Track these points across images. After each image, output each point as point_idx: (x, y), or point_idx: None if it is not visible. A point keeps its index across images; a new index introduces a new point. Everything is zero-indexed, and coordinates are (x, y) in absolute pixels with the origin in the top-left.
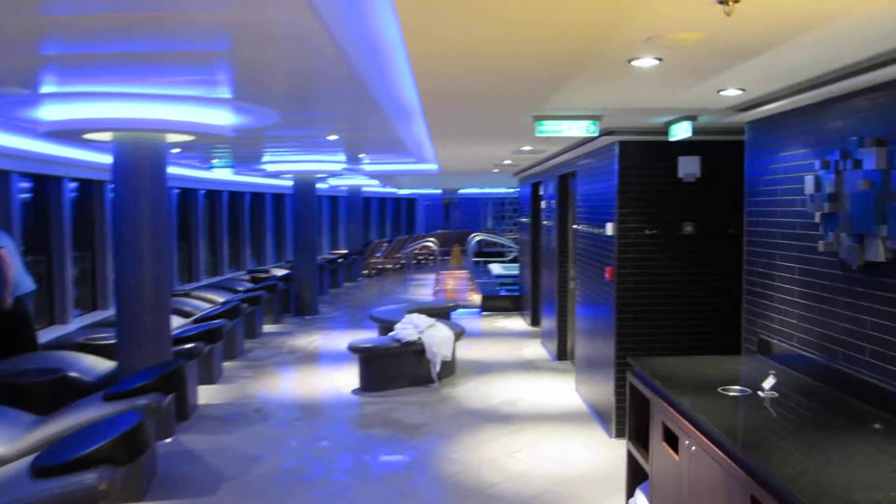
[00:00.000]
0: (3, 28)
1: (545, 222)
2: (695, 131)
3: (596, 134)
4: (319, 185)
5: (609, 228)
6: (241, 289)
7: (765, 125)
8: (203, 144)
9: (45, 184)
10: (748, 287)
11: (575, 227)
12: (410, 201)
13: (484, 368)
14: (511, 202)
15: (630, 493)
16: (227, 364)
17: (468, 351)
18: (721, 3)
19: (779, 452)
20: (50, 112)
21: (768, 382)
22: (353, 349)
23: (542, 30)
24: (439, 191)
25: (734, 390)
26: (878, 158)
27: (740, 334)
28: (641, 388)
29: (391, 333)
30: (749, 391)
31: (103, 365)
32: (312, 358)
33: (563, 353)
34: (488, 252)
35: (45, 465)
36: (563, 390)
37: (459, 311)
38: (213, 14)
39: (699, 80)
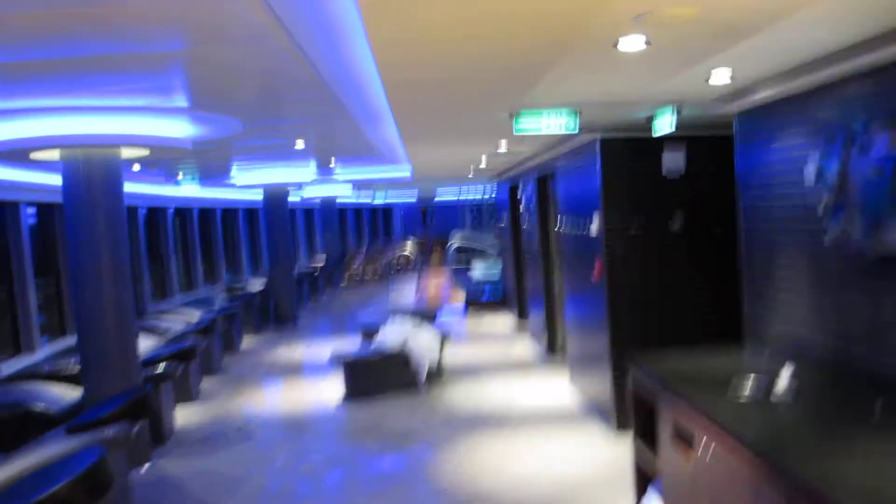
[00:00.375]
0: None
1: (525, 224)
2: (678, 126)
3: (576, 131)
4: (291, 198)
5: (594, 228)
6: (216, 305)
7: (755, 115)
8: (162, 159)
9: (1, 210)
10: (748, 281)
11: (557, 227)
12: (387, 211)
13: (473, 369)
14: (488, 207)
15: (639, 494)
16: (205, 382)
17: (455, 352)
18: None
19: (812, 452)
20: None
21: (784, 376)
22: (337, 358)
23: (521, 4)
24: (414, 199)
25: (748, 385)
26: (891, 141)
27: (737, 328)
28: (647, 384)
29: (375, 341)
30: (762, 384)
31: (70, 394)
32: (294, 370)
33: (552, 350)
34: (468, 256)
35: None
36: (557, 387)
37: (444, 314)
38: (162, 8)
39: (687, 65)
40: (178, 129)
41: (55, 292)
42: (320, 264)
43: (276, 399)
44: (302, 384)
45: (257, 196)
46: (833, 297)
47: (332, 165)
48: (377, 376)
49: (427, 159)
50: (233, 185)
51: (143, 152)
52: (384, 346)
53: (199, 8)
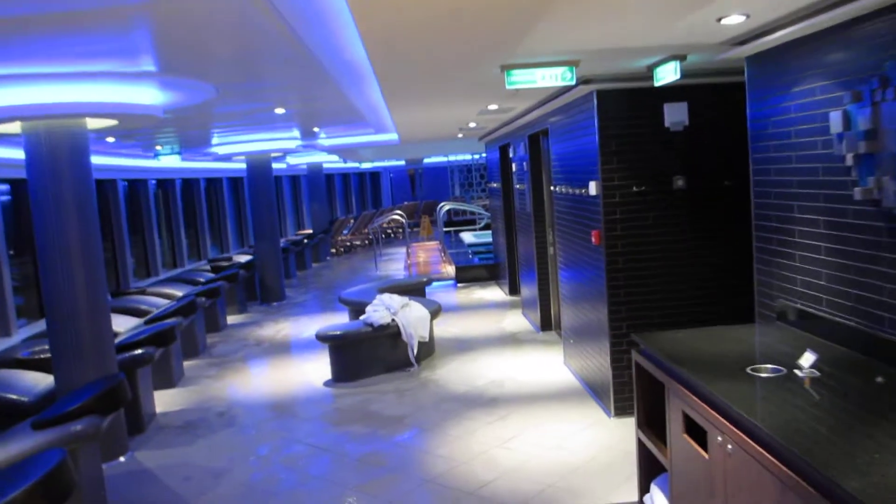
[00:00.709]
0: None
1: (517, 186)
2: (683, 73)
3: (573, 82)
4: (277, 165)
5: (592, 188)
6: (201, 280)
7: (771, 58)
8: (134, 130)
9: None
10: (760, 245)
11: (552, 188)
12: (375, 175)
13: (464, 346)
14: (478, 168)
15: (644, 488)
16: (187, 363)
17: (446, 327)
18: None
19: (845, 455)
20: None
21: (807, 359)
22: (322, 338)
23: None
24: (403, 162)
25: (766, 370)
26: None
27: (749, 298)
28: (652, 369)
29: (362, 317)
30: (784, 370)
31: (45, 382)
32: (281, 349)
33: (547, 324)
34: (459, 221)
35: None
36: (552, 365)
37: (434, 284)
38: None
39: (697, 4)
40: (148, 96)
41: (33, 272)
42: (308, 232)
43: (260, 381)
44: (288, 364)
45: (241, 165)
46: (860, 263)
47: (316, 130)
48: (365, 356)
49: (414, 122)
50: (215, 155)
51: (111, 122)
52: (372, 322)
53: None
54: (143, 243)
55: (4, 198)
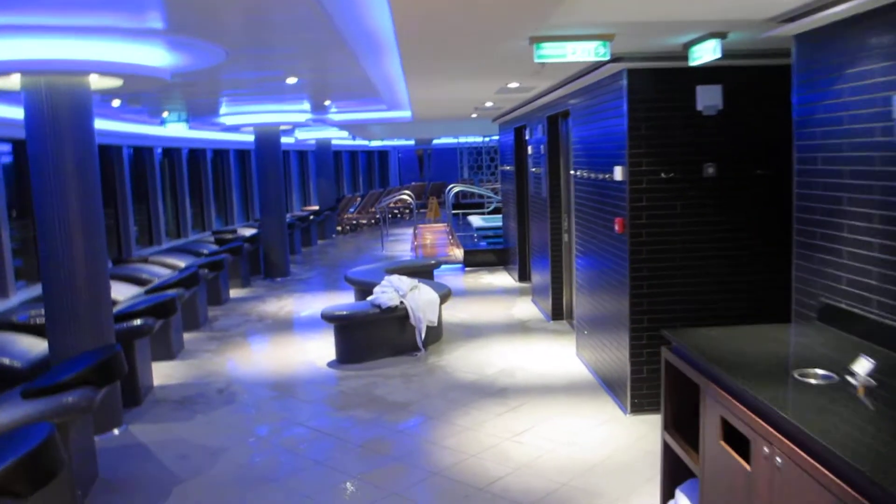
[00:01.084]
0: None
1: (533, 169)
2: (724, 52)
3: (607, 58)
4: (286, 139)
5: (618, 173)
6: (205, 251)
7: (823, 37)
8: (140, 92)
9: None
10: (800, 239)
11: (572, 172)
12: (383, 154)
13: (473, 332)
14: (488, 151)
15: (667, 493)
16: (188, 336)
17: (454, 312)
18: None
19: None
20: None
21: (862, 366)
22: (328, 317)
23: None
24: (412, 142)
25: (815, 376)
26: None
27: (782, 295)
28: (685, 369)
29: (370, 298)
30: (835, 377)
31: (40, 347)
32: (284, 326)
33: (558, 313)
34: (466, 204)
35: None
36: (564, 355)
37: (442, 267)
38: None
39: None
40: (155, 56)
41: (34, 235)
42: (315, 209)
43: (262, 358)
44: (291, 342)
45: (249, 137)
46: None
47: (327, 104)
48: (371, 338)
49: (430, 99)
50: (222, 126)
51: (116, 82)
52: (380, 304)
53: None
54: (147, 212)
55: (6, 158)
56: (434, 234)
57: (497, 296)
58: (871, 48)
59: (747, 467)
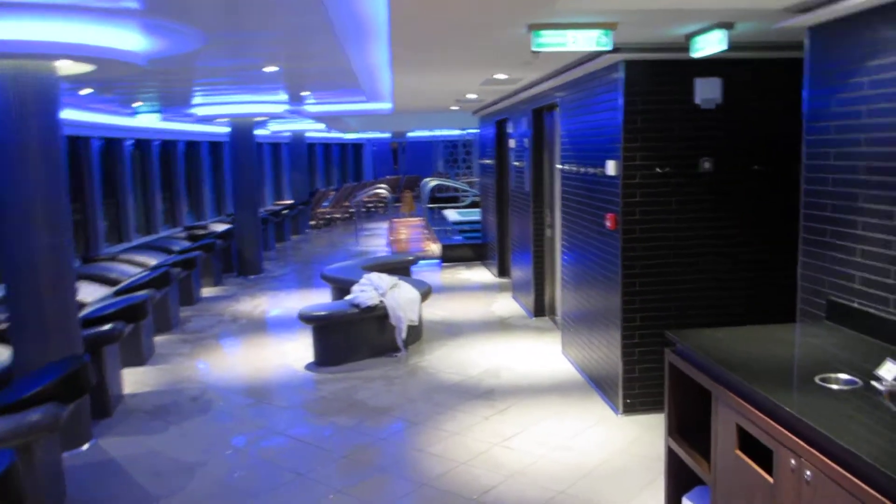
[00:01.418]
0: None
1: (516, 163)
2: (730, 44)
3: (608, 47)
4: (259, 131)
5: (611, 167)
6: (176, 248)
7: (840, 28)
8: (113, 80)
9: None
10: (808, 236)
11: (559, 167)
12: (357, 147)
13: (454, 330)
14: (464, 144)
15: (673, 501)
16: (159, 339)
17: (433, 309)
18: None
19: None
20: None
21: (889, 370)
22: (306, 318)
23: None
24: (388, 134)
25: (838, 381)
26: None
27: (782, 294)
28: (692, 373)
29: (348, 297)
30: (859, 382)
31: (3, 356)
32: (259, 326)
33: (540, 309)
34: (442, 198)
35: None
36: (549, 354)
37: (419, 263)
38: None
39: None
40: (130, 40)
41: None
42: (288, 203)
43: (237, 361)
44: (267, 344)
45: (222, 129)
46: None
47: (305, 94)
48: (350, 339)
49: (414, 90)
50: (196, 117)
51: (87, 68)
52: (359, 303)
53: None
54: (116, 207)
55: None
56: (409, 229)
57: (476, 292)
58: (893, 39)
59: (769, 479)
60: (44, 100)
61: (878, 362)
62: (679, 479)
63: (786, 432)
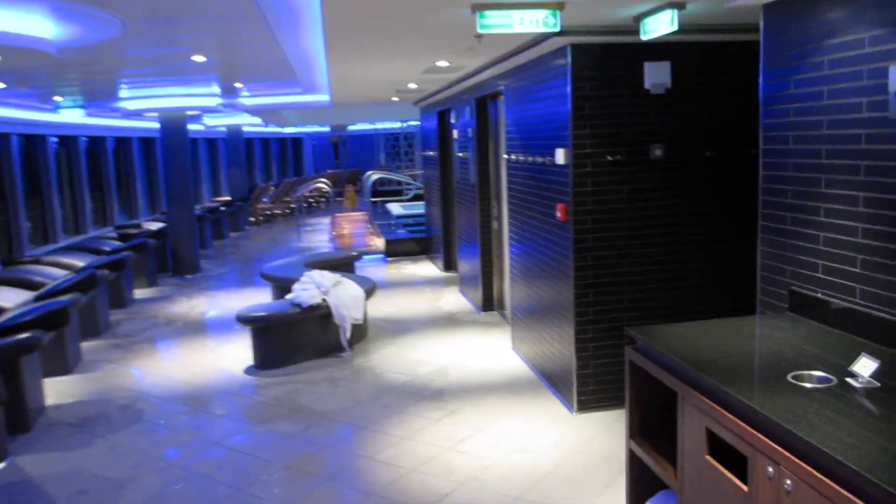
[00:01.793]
0: None
1: (460, 154)
2: (681, 25)
3: (556, 28)
4: (194, 126)
5: (560, 156)
6: (106, 249)
7: (799, 5)
8: (22, 72)
9: None
10: (767, 224)
11: (505, 157)
12: (297, 141)
13: (400, 327)
14: (406, 137)
15: None
16: (87, 345)
17: (379, 306)
18: None
19: None
20: None
21: (865, 366)
22: (244, 319)
23: None
24: (327, 128)
25: (811, 378)
26: None
27: (738, 284)
28: (657, 371)
29: (289, 296)
30: (834, 379)
31: None
32: (195, 328)
33: (489, 304)
34: (385, 191)
35: None
36: (499, 349)
37: (363, 258)
38: None
39: None
40: (38, 26)
41: None
42: (226, 199)
43: (172, 367)
44: (204, 347)
45: (154, 124)
46: None
47: (238, 86)
48: (292, 340)
49: (351, 80)
50: (124, 111)
51: None
52: (300, 302)
53: None
54: (41, 207)
55: None
56: (352, 224)
57: (422, 287)
58: (858, 16)
59: (744, 487)
60: None
61: (849, 356)
62: (641, 482)
63: (762, 437)
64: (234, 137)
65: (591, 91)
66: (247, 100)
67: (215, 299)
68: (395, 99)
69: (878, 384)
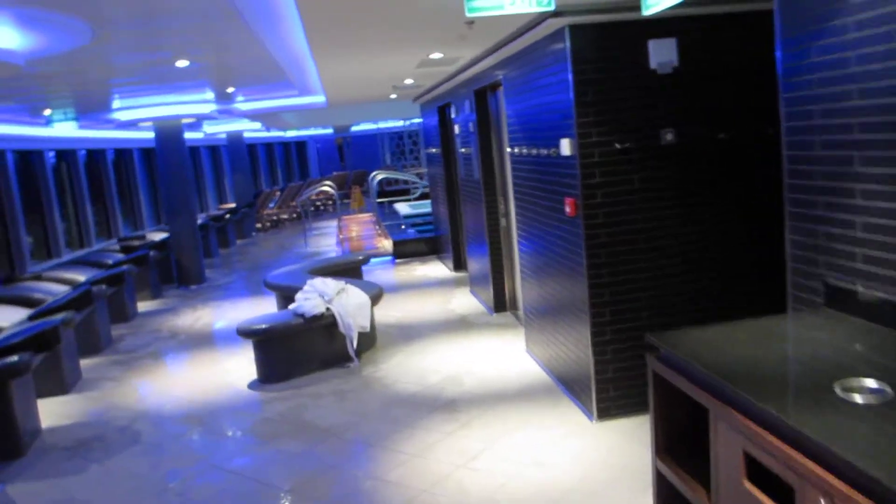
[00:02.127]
0: None
1: (462, 150)
2: None
3: (551, 7)
4: (193, 134)
5: (565, 147)
6: (109, 262)
7: None
8: (5, 85)
9: None
10: (796, 210)
11: (508, 150)
12: (301, 145)
13: (410, 333)
14: (410, 135)
15: None
16: (86, 362)
17: (387, 311)
18: None
19: None
20: None
21: None
22: (244, 333)
23: None
24: (331, 130)
25: (863, 389)
26: None
27: (764, 276)
28: (684, 385)
29: (292, 306)
30: (888, 390)
31: None
32: (200, 341)
33: (501, 304)
34: (392, 191)
35: None
36: (513, 353)
37: (371, 261)
38: None
39: None
40: (4, 37)
41: None
42: (230, 208)
43: (174, 383)
44: (208, 361)
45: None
46: None
47: (230, 91)
48: (297, 352)
49: (343, 79)
50: (118, 122)
51: None
52: (303, 313)
53: None
54: (42, 222)
55: None
56: (360, 226)
57: (432, 289)
58: None
59: None
60: None
61: None
62: (669, 499)
63: (811, 465)
64: (236, 144)
65: (593, 75)
66: (243, 105)
67: (221, 310)
68: (393, 96)
69: None
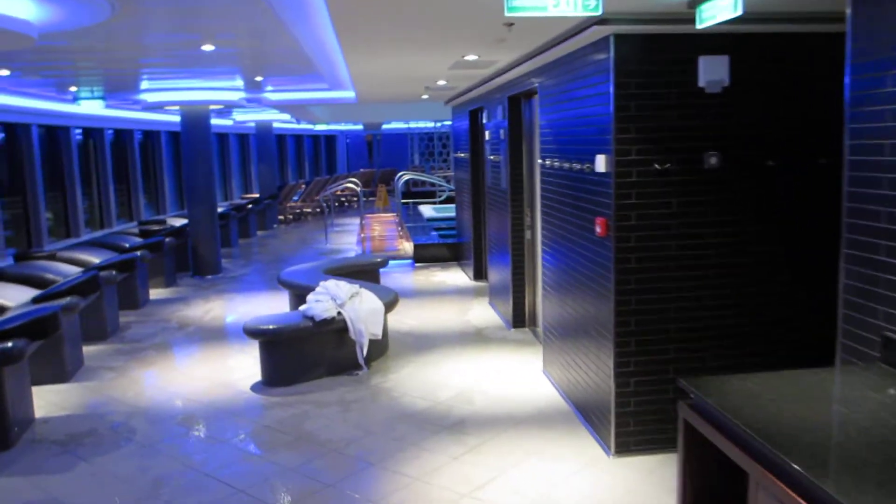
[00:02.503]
0: None
1: (491, 157)
2: (745, 8)
3: (598, 12)
4: (223, 122)
5: (601, 163)
6: (126, 245)
7: None
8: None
9: None
10: (854, 252)
11: (539, 161)
12: (330, 139)
13: (424, 343)
14: (440, 137)
15: None
16: (90, 349)
17: (402, 318)
18: None
19: None
20: None
21: None
22: (251, 332)
23: None
24: (360, 126)
25: None
26: None
27: (809, 321)
28: (720, 441)
29: (302, 307)
30: None
31: None
32: (208, 334)
33: (520, 320)
34: (418, 192)
35: None
36: (529, 373)
37: (390, 263)
38: None
39: None
40: (16, 7)
41: None
42: (254, 196)
43: (175, 378)
44: (213, 357)
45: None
46: None
47: (259, 80)
48: (304, 356)
49: (374, 76)
50: (145, 104)
51: None
52: (313, 315)
53: None
54: (63, 199)
55: None
56: (383, 225)
57: (450, 297)
58: None
59: None
60: None
61: None
62: None
63: None
64: (264, 133)
65: (636, 89)
66: (272, 95)
67: (233, 303)
68: (425, 97)
69: None
